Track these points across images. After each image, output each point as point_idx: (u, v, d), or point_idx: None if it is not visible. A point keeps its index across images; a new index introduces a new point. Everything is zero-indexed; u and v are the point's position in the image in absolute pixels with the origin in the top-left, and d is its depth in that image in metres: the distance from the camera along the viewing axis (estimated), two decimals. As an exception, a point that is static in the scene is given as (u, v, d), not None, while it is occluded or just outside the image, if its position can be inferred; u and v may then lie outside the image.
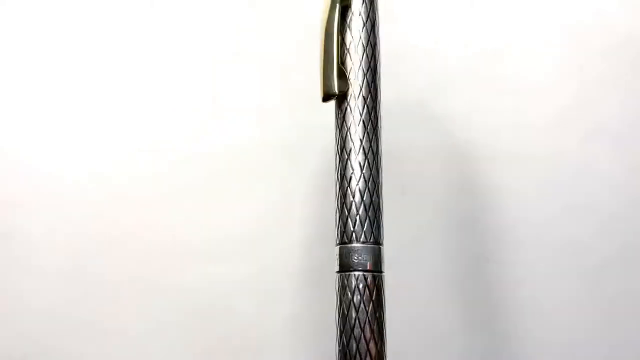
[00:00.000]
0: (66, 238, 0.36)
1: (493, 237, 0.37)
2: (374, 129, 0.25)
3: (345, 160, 0.25)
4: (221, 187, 0.37)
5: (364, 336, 0.24)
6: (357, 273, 0.24)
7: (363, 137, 0.25)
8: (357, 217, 0.24)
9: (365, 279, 0.24)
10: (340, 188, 0.25)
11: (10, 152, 0.37)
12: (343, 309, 0.24)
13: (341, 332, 0.24)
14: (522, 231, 0.37)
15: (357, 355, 0.23)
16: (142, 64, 0.39)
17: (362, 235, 0.24)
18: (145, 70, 0.38)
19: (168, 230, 0.37)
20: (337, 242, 0.25)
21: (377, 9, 0.26)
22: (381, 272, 0.24)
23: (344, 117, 0.25)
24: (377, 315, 0.24)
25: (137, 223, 0.37)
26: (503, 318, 0.37)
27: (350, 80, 0.25)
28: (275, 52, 0.39)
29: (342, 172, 0.25)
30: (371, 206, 0.25)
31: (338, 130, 0.26)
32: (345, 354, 0.24)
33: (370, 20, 0.26)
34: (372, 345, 0.24)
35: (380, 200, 0.25)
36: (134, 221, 0.37)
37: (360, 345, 0.24)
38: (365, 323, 0.24)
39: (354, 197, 0.25)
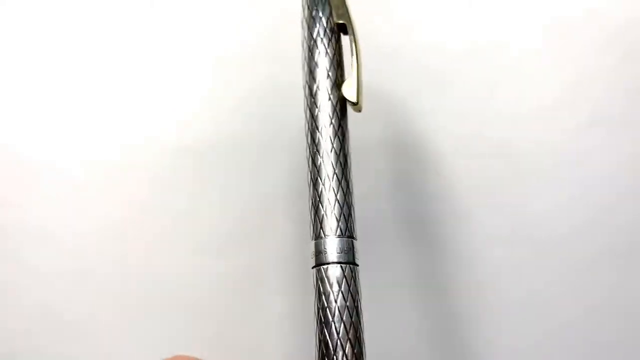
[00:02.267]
0: (56, 232, 0.37)
1: (484, 229, 0.38)
2: (339, 127, 0.27)
3: (313, 159, 0.27)
4: (208, 179, 0.38)
5: (344, 324, 0.25)
6: (332, 266, 0.26)
7: (334, 136, 0.27)
8: (331, 213, 0.26)
9: (342, 270, 0.26)
10: (313, 184, 0.27)
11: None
12: (322, 300, 0.25)
13: (320, 322, 0.25)
14: (514, 224, 0.38)
15: (337, 343, 0.25)
16: (124, 59, 0.39)
17: (333, 230, 0.26)
18: (129, 66, 0.39)
19: (157, 223, 0.38)
20: (313, 237, 0.26)
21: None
22: (356, 264, 0.26)
23: (310, 116, 0.27)
24: (355, 304, 0.26)
25: (125, 217, 0.38)
26: (492, 314, 0.38)
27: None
28: (255, 45, 0.40)
29: (312, 170, 0.27)
30: (345, 202, 0.26)
31: (306, 130, 0.27)
32: (326, 343, 0.25)
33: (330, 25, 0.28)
34: (351, 332, 0.25)
35: (351, 195, 0.27)
36: (123, 215, 0.38)
37: (340, 334, 0.25)
38: (344, 311, 0.25)
39: (326, 192, 0.26)
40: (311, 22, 0.28)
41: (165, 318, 0.37)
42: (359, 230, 0.27)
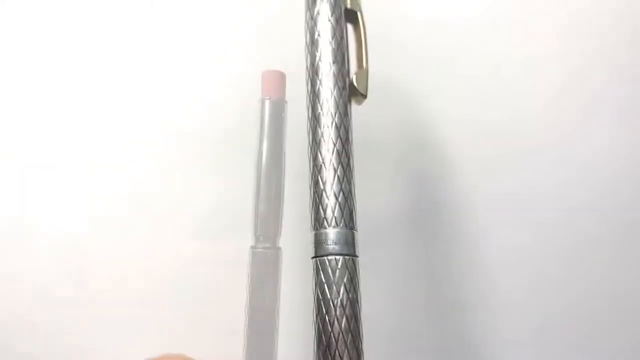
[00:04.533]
0: (54, 215, 0.37)
1: (484, 210, 0.38)
2: (342, 118, 0.26)
3: (316, 149, 0.26)
4: (208, 164, 0.39)
5: (341, 316, 0.24)
6: (331, 257, 0.25)
7: (332, 126, 0.26)
8: (330, 204, 0.26)
9: (339, 262, 0.25)
10: (312, 176, 0.26)
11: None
12: (319, 292, 0.25)
13: (317, 315, 0.25)
14: (516, 206, 0.38)
15: (334, 336, 0.24)
16: (104, 58, 0.39)
17: (334, 221, 0.25)
18: (113, 61, 0.40)
19: (154, 205, 0.38)
20: (312, 228, 0.26)
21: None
22: (355, 255, 0.26)
23: (312, 107, 0.27)
24: (353, 296, 0.25)
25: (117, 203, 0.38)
26: (491, 298, 0.38)
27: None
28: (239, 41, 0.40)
29: (314, 161, 0.26)
30: (342, 193, 0.26)
31: (308, 120, 0.27)
32: (322, 335, 0.24)
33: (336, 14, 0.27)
34: (347, 324, 0.24)
35: (353, 187, 0.26)
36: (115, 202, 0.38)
37: (336, 326, 0.24)
38: (341, 304, 0.25)
39: (325, 185, 0.26)
40: (315, 7, 0.27)
41: (161, 303, 0.37)
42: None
